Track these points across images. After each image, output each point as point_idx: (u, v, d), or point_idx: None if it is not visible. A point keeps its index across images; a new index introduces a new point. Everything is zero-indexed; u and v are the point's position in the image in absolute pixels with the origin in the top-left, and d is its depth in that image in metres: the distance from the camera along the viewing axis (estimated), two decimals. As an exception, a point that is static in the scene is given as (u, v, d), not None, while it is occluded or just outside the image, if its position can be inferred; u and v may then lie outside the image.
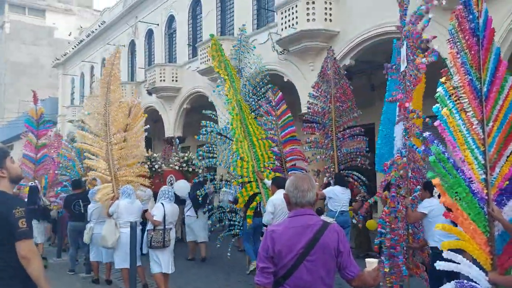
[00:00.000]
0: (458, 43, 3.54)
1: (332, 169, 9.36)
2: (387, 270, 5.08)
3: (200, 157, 9.27)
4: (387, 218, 5.22)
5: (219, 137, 9.08)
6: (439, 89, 3.52)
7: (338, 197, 7.80)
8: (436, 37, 5.33)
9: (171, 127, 18.99)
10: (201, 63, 15.71)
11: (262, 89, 9.81)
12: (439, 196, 4.67)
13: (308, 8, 11.46)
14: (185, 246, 10.04)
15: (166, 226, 6.34)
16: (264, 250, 2.48)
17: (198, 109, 12.76)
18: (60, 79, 34.16)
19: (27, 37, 49.72)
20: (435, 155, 3.38)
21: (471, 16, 3.49)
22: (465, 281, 3.42)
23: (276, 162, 8.68)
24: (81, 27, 35.81)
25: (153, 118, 21.39)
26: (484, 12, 3.54)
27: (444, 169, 3.40)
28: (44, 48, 49.69)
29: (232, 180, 8.11)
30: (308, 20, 11.48)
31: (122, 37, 23.92)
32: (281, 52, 12.85)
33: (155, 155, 11.33)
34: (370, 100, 12.30)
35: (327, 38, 11.73)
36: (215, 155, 9.01)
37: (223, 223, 8.77)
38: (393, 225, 5.16)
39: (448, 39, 3.59)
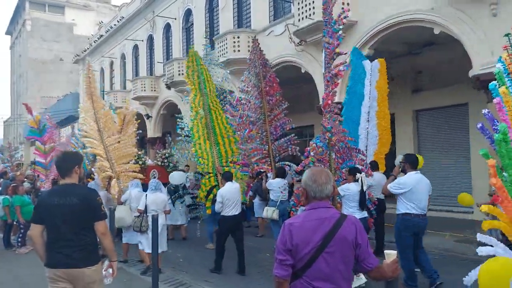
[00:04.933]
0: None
1: (268, 163, 10.05)
2: None
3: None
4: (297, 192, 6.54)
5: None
6: (498, 64, 3.36)
7: (278, 188, 8.95)
8: (346, 53, 6.75)
9: (189, 121, 19.08)
10: (218, 57, 15.69)
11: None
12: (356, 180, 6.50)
13: (325, -2, 11.31)
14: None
15: (147, 213, 7.23)
16: (282, 243, 2.49)
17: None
18: (81, 75, 34.66)
19: (48, 34, 50.56)
20: (501, 133, 3.18)
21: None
22: None
23: (240, 157, 10.08)
24: (101, 22, 36.19)
25: (171, 112, 21.57)
26: None
27: (505, 150, 3.26)
28: (64, 44, 50.47)
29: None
30: (325, 10, 11.33)
31: (140, 32, 24.10)
32: (298, 43, 12.73)
33: (139, 153, 12.14)
34: (391, 90, 12.06)
35: (345, 28, 11.51)
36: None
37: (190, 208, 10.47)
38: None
39: None
